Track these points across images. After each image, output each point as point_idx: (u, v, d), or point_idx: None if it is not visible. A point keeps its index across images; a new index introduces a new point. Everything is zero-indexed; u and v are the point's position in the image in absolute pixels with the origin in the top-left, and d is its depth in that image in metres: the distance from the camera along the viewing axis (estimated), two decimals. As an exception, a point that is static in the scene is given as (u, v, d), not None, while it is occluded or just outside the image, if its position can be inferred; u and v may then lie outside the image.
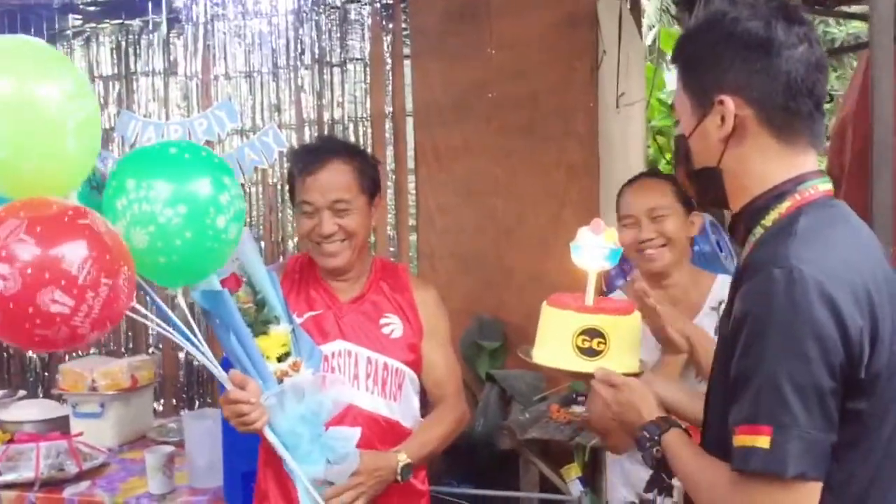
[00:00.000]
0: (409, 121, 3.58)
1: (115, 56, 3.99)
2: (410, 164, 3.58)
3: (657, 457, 1.34)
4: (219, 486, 2.42)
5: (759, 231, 1.23)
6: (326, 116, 3.70)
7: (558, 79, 3.34)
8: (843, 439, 1.12)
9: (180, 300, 1.66)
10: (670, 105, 5.92)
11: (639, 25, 4.31)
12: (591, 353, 1.43)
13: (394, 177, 3.58)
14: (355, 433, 1.82)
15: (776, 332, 1.10)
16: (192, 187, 1.53)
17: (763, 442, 1.09)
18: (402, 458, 1.87)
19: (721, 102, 1.22)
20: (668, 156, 5.71)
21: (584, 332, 1.43)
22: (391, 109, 3.61)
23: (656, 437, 1.33)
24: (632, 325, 1.49)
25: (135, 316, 1.55)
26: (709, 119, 1.24)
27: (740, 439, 1.12)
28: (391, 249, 3.56)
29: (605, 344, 1.43)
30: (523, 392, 2.98)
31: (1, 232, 1.34)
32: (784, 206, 1.21)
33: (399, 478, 1.86)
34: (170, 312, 1.66)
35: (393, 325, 1.99)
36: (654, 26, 8.03)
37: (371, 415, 1.92)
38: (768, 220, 1.22)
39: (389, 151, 3.59)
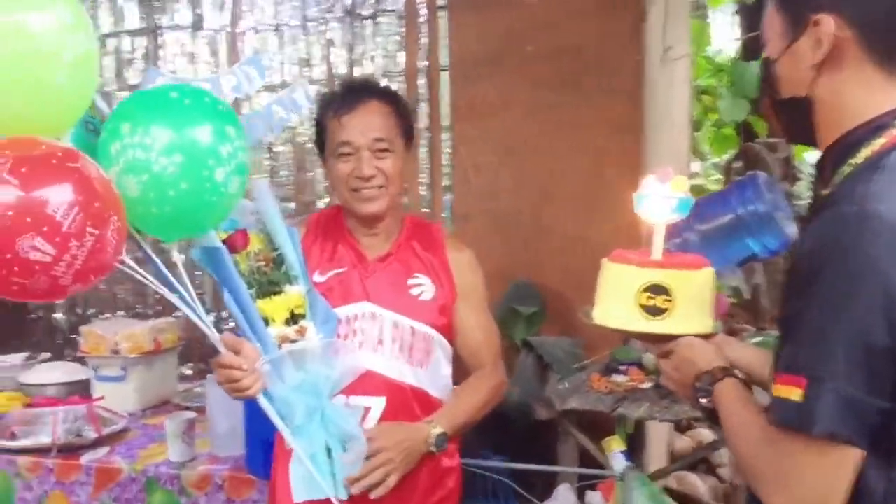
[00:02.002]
0: (444, 76, 3.41)
1: (141, 10, 3.87)
2: (445, 122, 3.41)
3: (708, 406, 1.22)
4: (241, 454, 2.31)
5: (846, 170, 1.07)
6: (357, 72, 3.55)
7: (601, 30, 3.14)
8: None
9: (175, 255, 1.54)
10: (716, 64, 5.69)
11: (685, -24, 4.10)
12: (656, 311, 1.29)
13: (428, 135, 3.42)
14: (357, 412, 1.71)
15: (834, 275, 0.97)
16: (191, 135, 1.41)
17: (796, 394, 0.98)
18: (435, 428, 1.74)
19: (817, 23, 1.06)
20: (714, 116, 5.50)
21: (647, 289, 1.29)
22: (425, 64, 3.44)
23: (709, 387, 1.22)
24: (702, 281, 1.34)
25: (124, 269, 1.44)
26: (802, 41, 1.09)
27: (777, 389, 1.02)
28: (425, 210, 3.41)
29: (671, 301, 1.29)
30: (561, 360, 2.83)
31: None
32: (879, 143, 1.05)
33: (434, 448, 1.74)
34: (162, 267, 1.54)
35: (423, 287, 1.84)
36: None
37: (395, 382, 1.78)
38: (859, 157, 1.06)
39: (423, 108, 3.43)
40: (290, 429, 1.66)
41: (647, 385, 2.45)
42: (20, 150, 1.27)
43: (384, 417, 1.76)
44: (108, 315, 3.93)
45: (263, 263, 1.77)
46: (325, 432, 1.68)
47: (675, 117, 4.14)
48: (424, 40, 3.43)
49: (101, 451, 2.44)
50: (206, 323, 1.62)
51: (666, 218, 1.35)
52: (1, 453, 2.43)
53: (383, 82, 3.47)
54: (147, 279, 1.57)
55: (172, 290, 1.59)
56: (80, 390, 2.83)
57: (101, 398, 2.65)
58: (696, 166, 5.85)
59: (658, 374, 2.40)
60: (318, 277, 1.80)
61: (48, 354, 3.46)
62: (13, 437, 2.45)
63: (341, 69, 3.57)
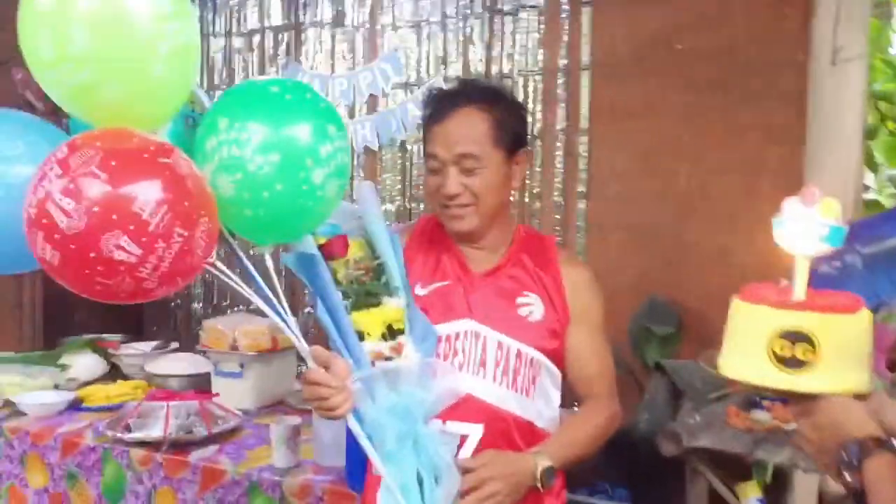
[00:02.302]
0: (585, 75, 3.20)
1: (285, 6, 3.88)
2: (584, 124, 3.20)
3: (851, 484, 1.01)
4: (343, 466, 2.22)
5: None
6: (495, 69, 3.39)
7: (762, 27, 2.86)
8: None
9: (268, 259, 1.45)
10: (897, 67, 5.16)
11: (865, -29, 3.70)
12: (794, 363, 1.08)
13: (564, 137, 3.23)
14: (453, 440, 1.55)
15: None
16: (289, 133, 1.32)
17: None
18: (543, 461, 1.58)
19: None
20: (891, 125, 5.00)
21: (784, 336, 1.08)
22: (566, 62, 3.25)
23: (857, 460, 1.00)
24: (855, 328, 1.11)
25: (213, 271, 1.36)
26: None
27: None
28: (557, 217, 3.22)
29: (813, 352, 1.07)
30: (697, 388, 2.57)
31: (73, 161, 1.17)
32: None
33: (540, 484, 1.57)
34: (252, 270, 1.45)
35: (532, 306, 1.67)
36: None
37: (496, 409, 1.62)
38: None
39: (561, 109, 3.24)
40: (379, 454, 1.53)
41: (792, 426, 2.17)
42: (112, 142, 1.22)
43: (482, 447, 1.61)
44: (241, 308, 3.96)
45: (362, 273, 1.66)
46: (417, 460, 1.55)
47: (845, 125, 3.74)
48: (566, 37, 3.24)
49: (210, 450, 2.42)
50: (295, 332, 1.53)
51: (811, 250, 1.13)
52: (116, 444, 2.45)
53: (520, 81, 3.32)
54: (236, 284, 1.49)
55: (263, 296, 1.51)
56: (202, 383, 2.84)
57: (215, 395, 2.63)
58: (869, 179, 5.35)
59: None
60: (419, 290, 1.68)
61: (177, 345, 3.50)
62: (128, 429, 2.47)
63: (479, 67, 3.43)
